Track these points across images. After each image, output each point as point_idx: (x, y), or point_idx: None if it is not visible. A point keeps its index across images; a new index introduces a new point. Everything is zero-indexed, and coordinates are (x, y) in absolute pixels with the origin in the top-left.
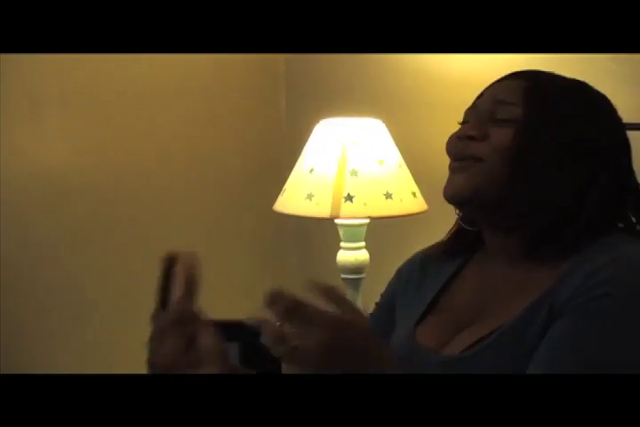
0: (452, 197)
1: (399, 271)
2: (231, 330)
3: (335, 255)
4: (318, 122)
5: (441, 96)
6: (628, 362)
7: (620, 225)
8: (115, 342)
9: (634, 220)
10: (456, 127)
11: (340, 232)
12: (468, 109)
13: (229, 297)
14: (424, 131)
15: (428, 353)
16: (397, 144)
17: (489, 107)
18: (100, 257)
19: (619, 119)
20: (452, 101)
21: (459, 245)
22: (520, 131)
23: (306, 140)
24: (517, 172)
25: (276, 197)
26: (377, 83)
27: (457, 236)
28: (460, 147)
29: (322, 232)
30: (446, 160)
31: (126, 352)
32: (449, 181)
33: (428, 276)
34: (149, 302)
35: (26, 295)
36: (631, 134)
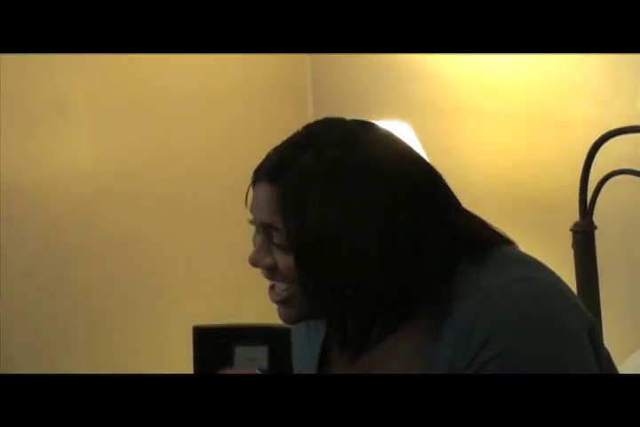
0: (289, 323)
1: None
2: (259, 334)
3: None
4: None
5: (468, 101)
6: None
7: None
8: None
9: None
10: (485, 134)
11: None
12: (250, 209)
13: (256, 302)
14: (451, 136)
15: None
16: (424, 148)
17: (261, 226)
18: (128, 262)
19: (399, 164)
20: (479, 107)
21: None
22: (297, 258)
23: None
24: (317, 293)
25: None
26: (405, 86)
27: None
28: (263, 273)
29: None
30: (473, 167)
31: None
32: (279, 309)
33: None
34: (176, 303)
35: (52, 296)
36: None
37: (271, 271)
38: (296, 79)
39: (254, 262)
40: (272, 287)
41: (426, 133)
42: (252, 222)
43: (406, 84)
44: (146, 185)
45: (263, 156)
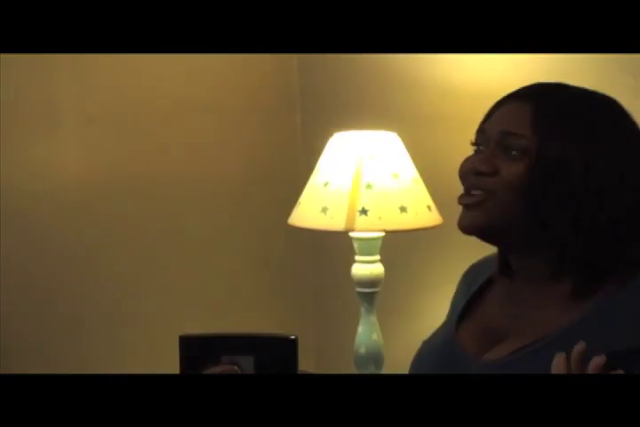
0: (467, 230)
1: (464, 275)
2: (245, 344)
3: (350, 269)
4: (332, 135)
5: (456, 109)
6: None
7: None
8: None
9: None
10: (469, 141)
11: (355, 246)
12: (478, 132)
13: (243, 311)
14: (439, 144)
15: (469, 358)
16: (412, 157)
17: (498, 137)
18: (115, 268)
19: (632, 127)
20: (467, 115)
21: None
22: (531, 167)
23: (320, 153)
24: (530, 206)
25: (291, 211)
26: (391, 96)
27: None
28: (472, 180)
29: (336, 246)
30: None
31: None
32: (463, 215)
33: (470, 282)
34: (164, 309)
35: (39, 303)
36: None
37: (483, 177)
38: (284, 90)
39: (475, 166)
40: (466, 193)
41: (413, 143)
42: (479, 139)
43: (393, 94)
44: (137, 189)
45: (254, 156)
